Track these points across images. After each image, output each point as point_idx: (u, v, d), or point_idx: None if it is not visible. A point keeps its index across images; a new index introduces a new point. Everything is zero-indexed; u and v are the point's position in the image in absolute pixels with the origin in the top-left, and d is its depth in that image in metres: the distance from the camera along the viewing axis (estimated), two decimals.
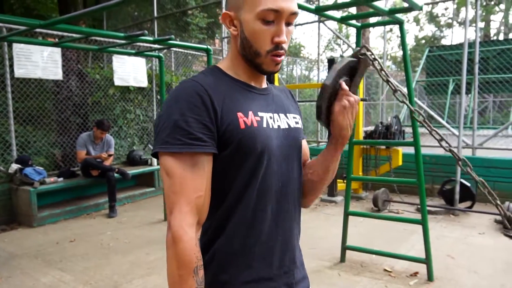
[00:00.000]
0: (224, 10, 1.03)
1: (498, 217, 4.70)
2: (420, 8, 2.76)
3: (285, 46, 0.99)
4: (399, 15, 3.06)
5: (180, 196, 0.93)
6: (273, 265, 1.05)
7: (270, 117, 1.04)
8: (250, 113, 0.99)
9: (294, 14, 0.97)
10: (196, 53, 9.55)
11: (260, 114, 1.01)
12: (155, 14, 10.13)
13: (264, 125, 1.00)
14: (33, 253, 4.19)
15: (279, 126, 1.05)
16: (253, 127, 0.98)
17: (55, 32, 5.53)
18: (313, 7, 2.76)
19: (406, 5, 2.75)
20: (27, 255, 4.12)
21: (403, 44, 3.20)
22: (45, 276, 3.60)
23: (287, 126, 1.08)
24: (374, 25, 3.60)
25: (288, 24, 0.98)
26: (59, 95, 6.40)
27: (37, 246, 4.39)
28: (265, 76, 1.09)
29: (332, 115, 1.08)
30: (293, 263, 1.11)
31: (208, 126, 0.93)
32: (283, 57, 1.00)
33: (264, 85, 1.10)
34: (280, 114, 1.08)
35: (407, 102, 1.45)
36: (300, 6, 2.62)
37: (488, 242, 4.21)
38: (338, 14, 3.16)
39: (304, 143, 1.19)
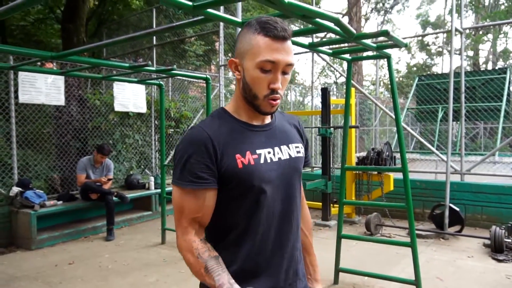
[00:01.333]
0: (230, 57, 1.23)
1: (487, 241, 4.85)
2: (405, 45, 3.01)
3: (281, 92, 1.15)
4: (386, 50, 3.31)
5: (181, 216, 1.16)
6: (280, 279, 1.22)
7: (269, 152, 1.20)
8: (248, 153, 1.16)
9: (290, 65, 1.14)
10: (192, 79, 9.81)
11: (258, 151, 1.18)
12: (154, 42, 10.46)
13: (262, 161, 1.17)
14: (33, 275, 4.26)
15: (279, 158, 1.22)
16: (250, 166, 1.15)
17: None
18: (306, 43, 2.99)
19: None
20: (27, 277, 4.20)
21: (390, 76, 3.44)
22: None
23: (288, 157, 1.24)
24: (363, 58, 3.86)
25: (284, 73, 1.15)
26: (60, 120, 6.57)
27: (37, 269, 4.46)
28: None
29: None
30: (295, 275, 1.27)
31: (210, 166, 1.12)
32: (278, 101, 1.16)
33: (267, 120, 1.26)
34: (281, 146, 1.24)
35: None
36: (295, 43, 2.86)
37: (476, 264, 4.35)
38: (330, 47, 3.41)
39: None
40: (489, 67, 28.08)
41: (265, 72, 1.13)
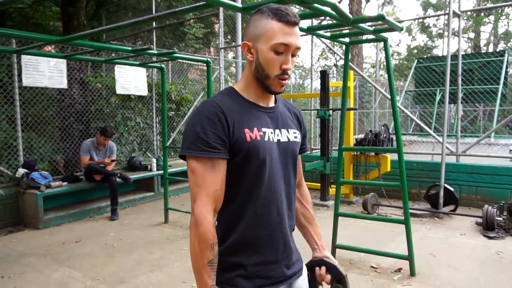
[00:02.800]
0: (243, 40, 1.32)
1: (479, 220, 5.01)
2: (401, 29, 3.09)
3: (290, 72, 1.27)
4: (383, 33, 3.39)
5: (201, 189, 1.22)
6: (278, 251, 1.34)
7: (271, 132, 1.31)
8: (255, 129, 1.27)
9: (298, 48, 1.26)
10: (192, 62, 9.84)
11: (263, 129, 1.29)
12: (154, 25, 10.45)
13: (266, 139, 1.28)
14: (42, 252, 4.43)
15: (279, 140, 1.33)
16: (257, 140, 1.26)
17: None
18: (305, 27, 3.08)
19: None
20: (36, 254, 4.37)
21: (387, 60, 3.53)
22: (55, 272, 3.85)
23: (286, 140, 1.35)
24: (361, 41, 3.94)
25: (293, 55, 1.26)
26: (63, 103, 6.67)
27: (45, 246, 4.63)
28: (273, 96, 1.38)
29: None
30: (290, 248, 1.39)
31: (222, 138, 1.21)
32: (287, 81, 1.28)
33: (272, 104, 1.37)
34: (282, 130, 1.35)
35: None
36: None
37: (468, 241, 4.52)
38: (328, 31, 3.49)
39: (299, 159, 1.47)
40: (490, 49, 27.95)
41: (278, 54, 1.23)
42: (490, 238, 4.59)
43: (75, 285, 3.57)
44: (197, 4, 2.36)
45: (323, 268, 1.46)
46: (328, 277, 1.45)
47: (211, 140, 1.20)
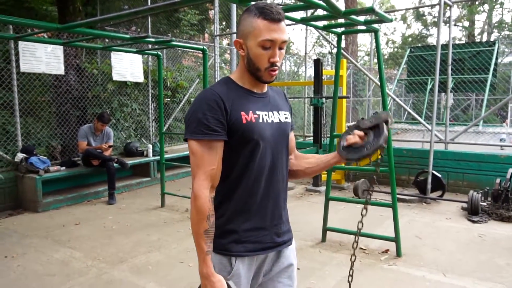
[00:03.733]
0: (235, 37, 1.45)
1: (465, 205, 5.22)
2: (391, 21, 3.22)
3: (278, 64, 1.40)
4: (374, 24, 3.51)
5: (200, 168, 1.37)
6: (266, 219, 1.49)
7: (265, 115, 1.46)
8: (250, 112, 1.42)
9: (285, 42, 1.39)
10: (186, 49, 9.89)
11: (258, 112, 1.44)
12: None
13: (260, 121, 1.43)
14: (43, 234, 4.58)
15: (272, 121, 1.48)
16: (252, 122, 1.41)
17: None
18: (299, 18, 3.20)
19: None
20: (37, 236, 4.51)
21: (377, 50, 3.66)
22: (57, 253, 4.00)
23: (278, 121, 1.50)
24: (353, 32, 4.06)
25: (280, 48, 1.40)
26: (60, 89, 6.74)
27: (45, 228, 4.77)
28: (265, 84, 1.51)
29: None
30: (280, 219, 1.54)
31: (221, 121, 1.36)
32: (277, 71, 1.42)
33: (264, 90, 1.52)
34: (274, 112, 1.50)
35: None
36: (288, 18, 3.06)
37: (453, 225, 4.73)
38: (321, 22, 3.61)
39: (291, 135, 1.63)
40: (484, 38, 28.11)
41: (265, 49, 1.37)
42: (474, 222, 4.80)
43: (77, 264, 3.72)
44: None
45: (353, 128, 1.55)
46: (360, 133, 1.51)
47: (212, 124, 1.34)
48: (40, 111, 6.42)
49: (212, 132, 1.35)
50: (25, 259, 3.84)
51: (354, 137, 1.51)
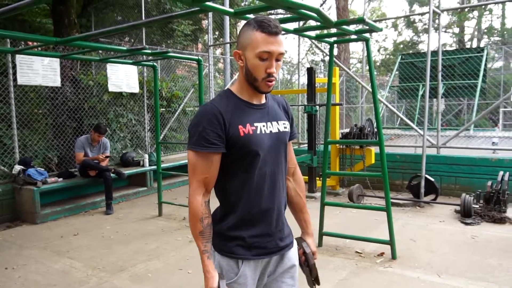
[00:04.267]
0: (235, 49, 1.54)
1: (458, 208, 5.32)
2: (381, 30, 3.34)
3: (275, 75, 1.49)
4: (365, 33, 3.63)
5: (194, 177, 1.49)
6: (271, 226, 1.57)
7: (263, 125, 1.54)
8: (248, 124, 1.50)
9: (282, 54, 1.47)
10: (180, 59, 9.98)
11: (255, 124, 1.52)
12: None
13: (258, 132, 1.51)
14: (42, 245, 4.61)
15: (271, 131, 1.55)
16: (250, 134, 1.48)
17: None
18: (292, 28, 3.30)
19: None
20: (37, 247, 4.54)
21: (368, 58, 3.78)
22: (57, 263, 4.04)
23: (277, 131, 1.58)
24: (344, 41, 4.17)
25: (277, 60, 1.48)
26: (57, 100, 6.79)
27: (44, 240, 4.81)
28: (264, 95, 1.59)
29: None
30: (282, 223, 1.63)
31: (220, 135, 1.45)
32: (274, 82, 1.50)
33: (263, 100, 1.59)
34: (272, 122, 1.58)
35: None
36: (282, 29, 3.16)
37: (446, 228, 4.83)
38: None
39: (290, 148, 1.71)
40: (474, 44, 28.54)
41: (263, 60, 1.45)
42: (467, 224, 4.90)
43: (77, 274, 3.76)
44: (192, 9, 2.56)
45: (300, 250, 1.74)
46: (302, 258, 1.74)
47: (211, 138, 1.44)
48: (36, 123, 6.47)
49: (211, 145, 1.44)
50: (26, 270, 3.88)
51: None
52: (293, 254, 1.67)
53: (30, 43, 6.18)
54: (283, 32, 2.30)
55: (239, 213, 1.52)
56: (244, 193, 1.51)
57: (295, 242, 1.71)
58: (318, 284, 1.75)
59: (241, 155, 1.48)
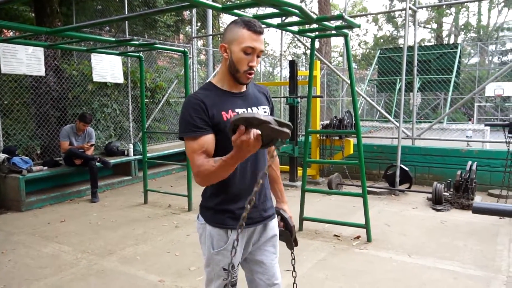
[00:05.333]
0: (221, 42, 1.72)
1: (430, 195, 5.64)
2: (359, 26, 3.56)
3: (255, 69, 1.69)
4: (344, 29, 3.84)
5: (193, 154, 1.63)
6: (255, 198, 1.77)
7: (244, 111, 1.72)
8: (230, 110, 1.69)
9: (262, 51, 1.68)
10: (162, 50, 9.99)
11: (236, 110, 1.71)
12: (126, 13, 10.55)
13: None
14: (29, 231, 4.71)
15: None
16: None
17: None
18: (275, 23, 3.49)
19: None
20: (24, 233, 4.64)
21: (347, 53, 4.00)
22: (46, 247, 4.16)
23: None
24: (325, 36, 4.38)
25: (258, 56, 1.68)
26: (40, 90, 6.81)
27: (31, 226, 4.90)
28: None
29: None
30: (265, 197, 1.84)
31: (205, 119, 1.63)
32: (253, 75, 1.70)
33: (243, 89, 1.78)
34: (252, 108, 1.77)
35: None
36: (265, 23, 3.35)
37: (418, 214, 5.14)
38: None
39: None
40: (452, 40, 29.28)
41: (247, 54, 1.65)
42: (437, 210, 5.22)
43: (67, 257, 3.90)
44: (182, 4, 2.71)
45: (279, 217, 1.96)
46: (281, 224, 1.95)
47: (197, 123, 1.62)
48: (18, 113, 6.48)
49: (198, 129, 1.62)
50: (15, 254, 3.98)
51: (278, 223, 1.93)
52: (274, 225, 1.88)
53: (14, 33, 6.17)
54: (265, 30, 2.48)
55: (227, 190, 1.71)
56: (231, 173, 1.70)
57: (276, 216, 1.91)
58: (297, 244, 1.97)
59: (226, 138, 1.63)
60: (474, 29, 28.67)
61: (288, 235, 1.94)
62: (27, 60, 6.05)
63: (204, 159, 1.60)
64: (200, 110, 1.62)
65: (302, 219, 4.52)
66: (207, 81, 1.76)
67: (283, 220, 1.94)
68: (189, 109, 1.63)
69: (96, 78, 7.18)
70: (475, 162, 5.67)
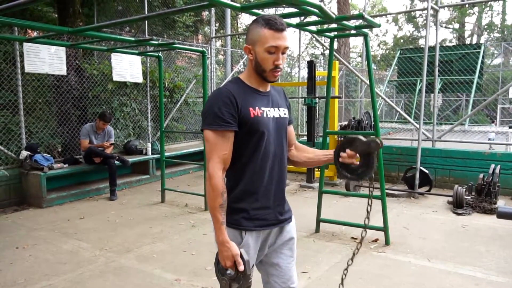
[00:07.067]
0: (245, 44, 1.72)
1: (451, 199, 5.52)
2: (379, 26, 3.50)
3: (281, 66, 1.67)
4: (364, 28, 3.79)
5: (214, 153, 1.63)
6: (270, 200, 1.75)
7: (269, 110, 1.73)
8: (257, 108, 1.68)
9: (287, 47, 1.66)
10: (180, 50, 10.05)
11: (262, 108, 1.70)
12: (146, 13, 10.66)
13: (265, 115, 1.70)
14: (50, 227, 4.80)
15: (273, 116, 1.74)
16: (258, 116, 1.67)
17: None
18: (295, 23, 3.46)
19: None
20: (45, 229, 4.73)
21: (367, 53, 3.94)
22: (66, 244, 4.23)
23: (278, 116, 1.77)
24: (344, 36, 4.33)
25: (282, 53, 1.66)
26: (61, 89, 6.94)
27: (52, 222, 4.99)
28: (268, 84, 1.77)
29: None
30: (282, 199, 1.81)
31: (233, 114, 1.62)
32: (279, 72, 1.69)
33: (268, 89, 1.78)
34: (275, 108, 1.76)
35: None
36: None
37: (438, 217, 5.03)
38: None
39: (290, 128, 1.90)
40: (474, 40, 28.64)
41: (271, 53, 1.63)
42: (458, 214, 5.10)
43: (86, 253, 3.96)
44: (201, 4, 2.72)
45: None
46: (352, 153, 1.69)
47: (226, 117, 1.61)
48: (42, 111, 6.61)
49: (226, 123, 1.61)
50: (36, 250, 4.06)
51: (350, 159, 1.70)
52: (291, 228, 1.86)
53: (38, 33, 6.31)
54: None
55: (244, 185, 1.70)
56: (249, 169, 1.69)
57: (293, 219, 1.88)
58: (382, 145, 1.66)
59: (250, 134, 1.65)
60: (498, 28, 27.97)
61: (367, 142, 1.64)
62: (50, 60, 6.17)
63: (220, 174, 1.62)
64: (230, 104, 1.61)
65: (319, 220, 4.47)
66: (236, 76, 1.75)
67: (356, 143, 1.66)
68: (219, 101, 1.61)
69: (116, 77, 7.28)
70: (499, 165, 5.52)
